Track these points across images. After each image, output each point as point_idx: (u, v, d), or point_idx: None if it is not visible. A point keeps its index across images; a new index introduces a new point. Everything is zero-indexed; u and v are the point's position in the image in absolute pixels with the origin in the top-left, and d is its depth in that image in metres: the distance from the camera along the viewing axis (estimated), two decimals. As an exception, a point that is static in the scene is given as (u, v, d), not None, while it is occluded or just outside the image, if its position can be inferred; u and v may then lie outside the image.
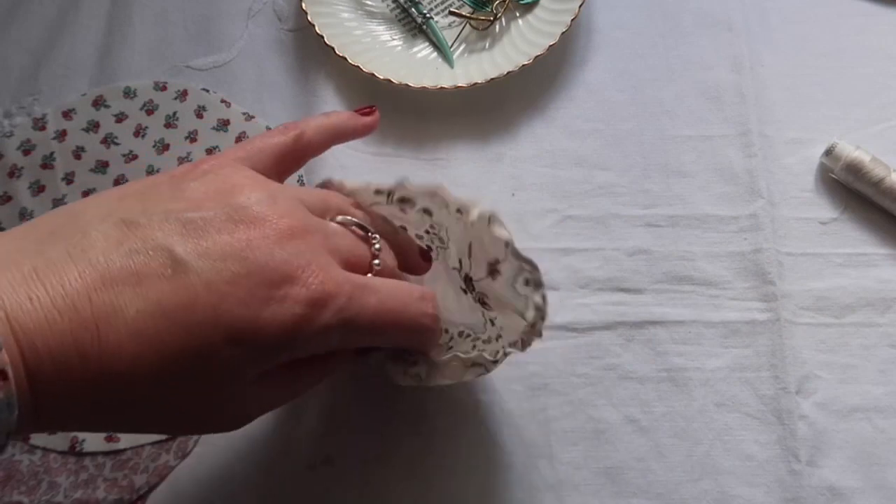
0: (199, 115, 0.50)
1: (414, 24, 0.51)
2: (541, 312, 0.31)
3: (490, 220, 0.32)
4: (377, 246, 0.32)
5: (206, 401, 0.27)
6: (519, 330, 0.32)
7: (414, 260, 0.36)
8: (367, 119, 0.38)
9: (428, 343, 0.33)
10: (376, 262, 0.31)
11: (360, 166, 0.47)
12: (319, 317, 0.27)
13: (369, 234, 0.32)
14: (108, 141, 0.50)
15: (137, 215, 0.26)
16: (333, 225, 0.31)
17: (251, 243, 0.26)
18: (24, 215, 0.48)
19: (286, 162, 0.33)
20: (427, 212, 0.33)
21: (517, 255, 0.31)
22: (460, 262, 0.34)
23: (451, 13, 0.50)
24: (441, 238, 0.35)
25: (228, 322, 0.25)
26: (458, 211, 0.32)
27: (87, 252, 0.25)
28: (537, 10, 0.50)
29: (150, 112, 0.50)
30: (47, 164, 0.49)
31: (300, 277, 0.27)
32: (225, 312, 0.25)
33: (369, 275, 0.31)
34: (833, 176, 0.46)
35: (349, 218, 0.32)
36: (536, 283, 0.31)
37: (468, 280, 0.34)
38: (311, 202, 0.31)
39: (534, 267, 0.31)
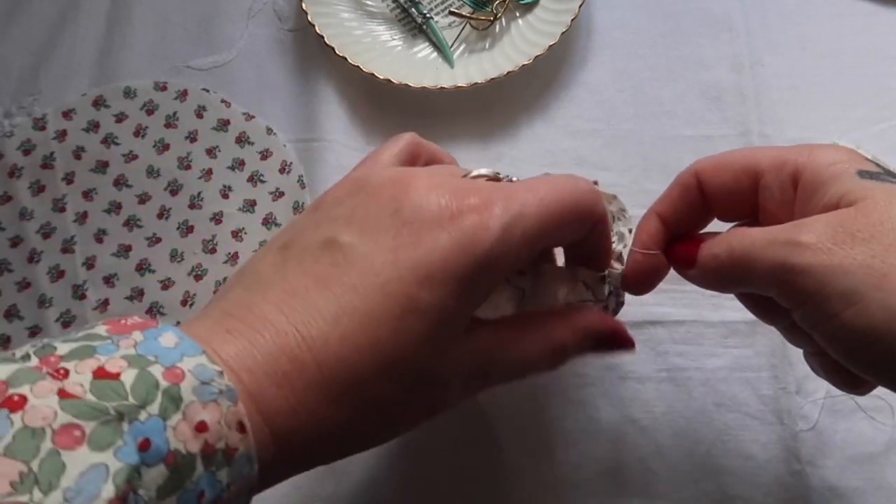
0: (199, 115, 0.50)
1: (414, 24, 0.51)
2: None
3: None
4: (513, 178, 0.31)
5: (433, 361, 0.26)
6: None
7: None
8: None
9: (599, 224, 0.31)
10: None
11: (360, 166, 0.47)
12: (492, 218, 0.26)
13: (505, 177, 0.31)
14: (108, 141, 0.50)
15: (292, 235, 0.28)
16: (467, 179, 0.30)
17: (396, 197, 0.26)
18: (24, 215, 0.48)
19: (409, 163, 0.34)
20: None
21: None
22: None
23: (451, 13, 0.50)
24: None
25: (410, 267, 0.25)
26: None
27: (261, 281, 0.26)
28: (537, 10, 0.50)
29: (150, 112, 0.50)
30: (47, 164, 0.49)
31: (454, 201, 0.26)
32: (403, 262, 0.25)
33: None
34: (833, 176, 0.46)
35: (481, 170, 0.31)
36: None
37: None
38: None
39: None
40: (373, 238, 0.26)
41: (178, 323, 0.25)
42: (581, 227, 0.30)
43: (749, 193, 0.31)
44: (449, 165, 0.31)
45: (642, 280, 0.34)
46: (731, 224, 0.34)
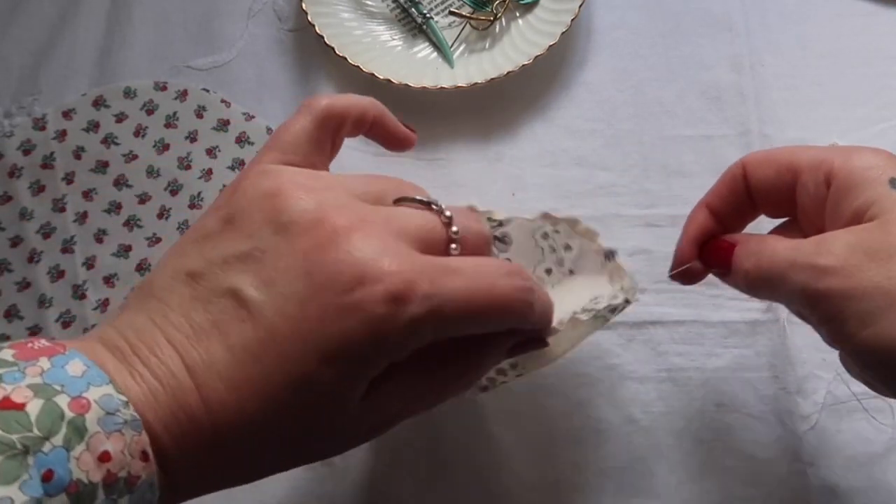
0: (199, 115, 0.50)
1: (414, 24, 0.51)
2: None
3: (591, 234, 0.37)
4: (454, 228, 0.28)
5: (323, 428, 0.26)
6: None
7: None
8: (406, 134, 0.34)
9: (528, 322, 0.29)
10: (454, 230, 0.28)
11: (360, 166, 0.47)
12: (405, 310, 0.24)
13: (435, 206, 0.28)
14: (108, 141, 0.50)
15: (200, 266, 0.26)
16: (394, 208, 0.28)
17: (309, 256, 0.25)
18: (24, 215, 0.48)
19: (323, 143, 0.30)
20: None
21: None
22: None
23: (451, 13, 0.50)
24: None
25: (314, 343, 0.24)
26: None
27: (167, 315, 0.25)
28: (537, 10, 0.50)
29: (150, 112, 0.50)
30: (47, 164, 0.49)
31: (372, 274, 0.24)
32: (307, 336, 0.24)
33: (451, 254, 0.28)
34: (833, 176, 0.46)
35: (410, 196, 0.29)
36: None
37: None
38: (363, 189, 0.28)
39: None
40: (278, 301, 0.25)
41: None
42: (503, 325, 0.28)
43: (790, 190, 0.32)
44: (377, 208, 0.27)
45: (686, 282, 0.35)
46: (778, 221, 0.35)
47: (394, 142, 0.34)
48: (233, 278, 0.25)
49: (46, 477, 0.21)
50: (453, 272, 0.26)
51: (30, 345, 0.23)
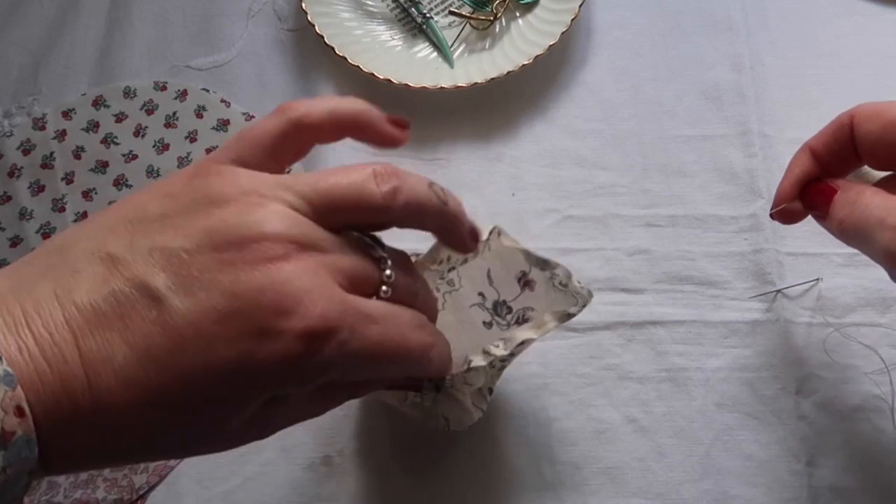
0: (199, 115, 0.50)
1: (414, 24, 0.51)
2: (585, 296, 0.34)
3: (498, 233, 0.34)
4: (387, 271, 0.28)
5: (210, 432, 0.26)
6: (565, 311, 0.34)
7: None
8: (396, 132, 0.32)
9: (426, 371, 0.30)
10: (384, 288, 0.28)
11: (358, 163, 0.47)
12: (319, 352, 0.25)
13: (380, 252, 0.29)
14: (108, 141, 0.50)
15: (124, 250, 0.25)
16: (339, 239, 0.27)
17: (239, 276, 0.24)
18: (24, 215, 0.48)
19: (285, 150, 0.30)
20: (443, 260, 0.34)
21: (537, 261, 0.34)
22: (482, 294, 0.34)
23: (451, 13, 0.50)
24: (452, 281, 0.35)
25: (220, 365, 0.24)
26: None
27: (73, 293, 0.24)
28: (537, 10, 0.50)
29: (150, 112, 0.50)
30: (47, 163, 0.49)
31: (296, 308, 0.24)
32: (215, 356, 0.24)
33: (375, 297, 0.28)
34: (833, 176, 0.46)
35: (364, 238, 0.29)
36: (568, 275, 0.34)
37: (501, 305, 0.34)
38: (318, 202, 0.27)
39: (553, 263, 0.34)
40: (194, 313, 0.24)
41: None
42: (402, 372, 0.30)
43: (894, 147, 0.33)
44: (318, 240, 0.27)
45: (786, 221, 0.37)
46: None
47: (382, 143, 0.33)
48: (153, 275, 0.24)
49: None
50: (372, 321, 0.26)
51: None
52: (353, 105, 0.31)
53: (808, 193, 0.36)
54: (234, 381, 0.24)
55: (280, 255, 0.25)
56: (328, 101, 0.31)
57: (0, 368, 0.22)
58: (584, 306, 0.34)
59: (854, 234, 0.32)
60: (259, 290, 0.24)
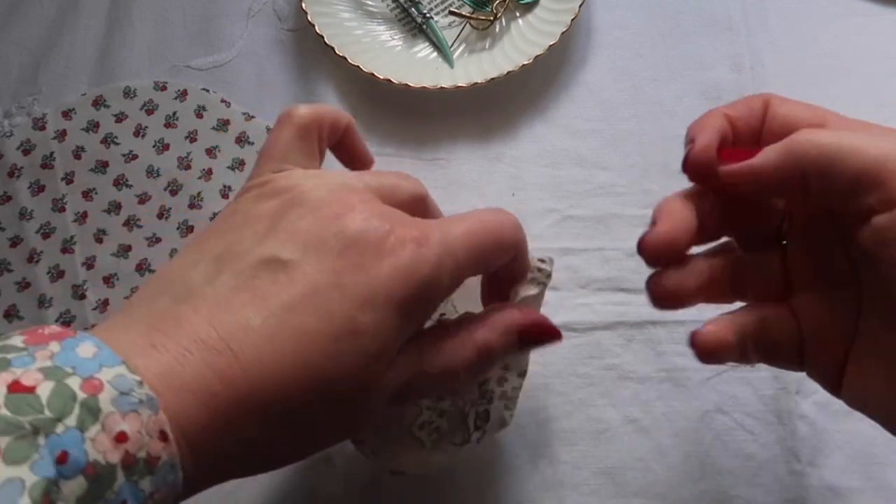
0: (199, 115, 0.50)
1: (414, 24, 0.51)
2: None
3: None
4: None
5: (365, 384, 0.26)
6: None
7: None
8: (371, 157, 0.37)
9: (521, 256, 0.32)
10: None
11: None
12: (428, 254, 0.26)
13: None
14: (108, 141, 0.50)
15: (228, 246, 0.26)
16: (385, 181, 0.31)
17: (340, 218, 0.26)
18: (24, 215, 0.48)
19: (309, 148, 0.32)
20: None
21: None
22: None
23: (451, 13, 0.50)
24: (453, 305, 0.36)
25: (354, 291, 0.25)
26: None
27: (192, 290, 0.25)
28: (537, 10, 0.50)
29: (150, 112, 0.50)
30: (47, 163, 0.49)
31: (397, 227, 0.27)
32: (348, 284, 0.25)
33: None
34: (833, 176, 0.46)
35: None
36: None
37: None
38: (374, 183, 0.30)
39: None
40: (316, 256, 0.26)
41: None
42: (504, 256, 0.31)
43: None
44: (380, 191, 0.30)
45: (699, 181, 0.31)
46: None
47: (356, 159, 0.36)
48: (266, 247, 0.26)
49: (61, 459, 0.20)
50: (453, 222, 0.29)
51: (40, 330, 0.23)
52: (341, 111, 0.34)
53: (726, 154, 0.30)
54: (374, 304, 0.25)
55: (358, 202, 0.27)
56: (319, 105, 0.33)
57: (143, 393, 0.22)
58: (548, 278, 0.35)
59: (801, 165, 0.27)
60: (359, 224, 0.26)
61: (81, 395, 0.21)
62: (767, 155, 0.28)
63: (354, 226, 0.26)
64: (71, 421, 0.21)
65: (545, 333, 0.32)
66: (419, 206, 0.31)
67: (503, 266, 0.31)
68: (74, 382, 0.21)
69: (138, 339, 0.24)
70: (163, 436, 0.22)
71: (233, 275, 0.25)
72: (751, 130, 0.31)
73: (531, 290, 0.34)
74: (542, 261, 0.34)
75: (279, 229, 0.26)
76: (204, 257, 0.26)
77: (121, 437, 0.21)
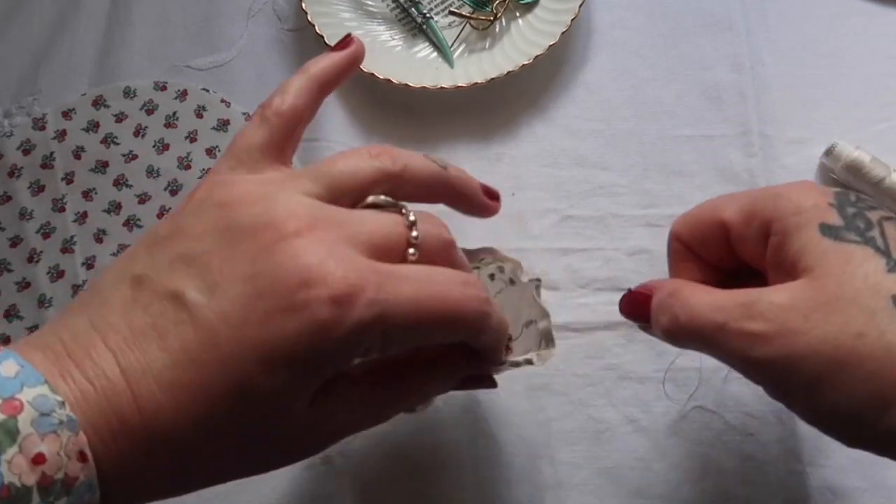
0: (199, 115, 0.50)
1: (414, 24, 0.51)
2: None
3: (536, 288, 0.35)
4: (414, 233, 0.27)
5: (266, 438, 0.25)
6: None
7: (478, 200, 0.33)
8: (347, 51, 0.33)
9: (483, 335, 0.28)
10: (413, 235, 0.27)
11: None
12: (349, 314, 0.24)
13: (402, 210, 0.28)
14: (108, 141, 0.50)
15: (147, 269, 0.26)
16: (354, 211, 0.28)
17: (256, 260, 0.24)
18: (24, 215, 0.48)
19: (279, 144, 0.30)
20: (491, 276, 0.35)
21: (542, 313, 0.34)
22: None
23: (451, 13, 0.50)
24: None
25: (255, 347, 0.24)
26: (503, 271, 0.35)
27: (108, 317, 0.25)
28: (537, 10, 0.50)
29: (150, 112, 0.50)
30: (47, 163, 0.49)
31: (317, 277, 0.24)
32: (248, 339, 0.24)
33: (408, 259, 0.27)
34: (833, 176, 0.46)
35: (381, 198, 0.28)
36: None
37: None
38: (327, 185, 0.27)
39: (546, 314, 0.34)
40: (220, 304, 0.24)
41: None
42: (456, 337, 0.28)
43: (728, 245, 0.31)
44: (333, 215, 0.26)
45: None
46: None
47: (350, 70, 0.34)
48: (176, 281, 0.25)
49: None
50: (402, 279, 0.25)
51: None
52: (311, 70, 0.32)
53: (625, 303, 0.33)
54: (274, 365, 0.24)
55: (293, 233, 0.25)
56: (293, 82, 0.31)
57: (63, 414, 0.22)
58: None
59: (688, 341, 0.29)
60: (277, 267, 0.24)
61: (0, 417, 0.21)
62: (658, 332, 0.30)
63: (270, 272, 0.24)
64: None
65: (485, 384, 0.33)
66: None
67: (468, 340, 0.29)
68: None
69: (50, 366, 0.24)
70: (82, 457, 0.22)
71: (144, 307, 0.25)
72: (701, 266, 0.33)
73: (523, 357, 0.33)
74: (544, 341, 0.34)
75: (194, 261, 0.25)
76: (126, 275, 0.26)
77: (38, 459, 0.21)
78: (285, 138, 0.30)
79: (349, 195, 0.28)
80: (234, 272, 0.24)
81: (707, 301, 0.28)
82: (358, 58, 0.34)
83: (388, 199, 0.28)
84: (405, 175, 0.29)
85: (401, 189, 0.29)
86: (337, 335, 0.24)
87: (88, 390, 0.23)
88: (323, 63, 0.32)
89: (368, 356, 0.26)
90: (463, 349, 0.30)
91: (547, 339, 0.34)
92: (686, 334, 0.28)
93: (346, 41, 0.33)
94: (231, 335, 0.24)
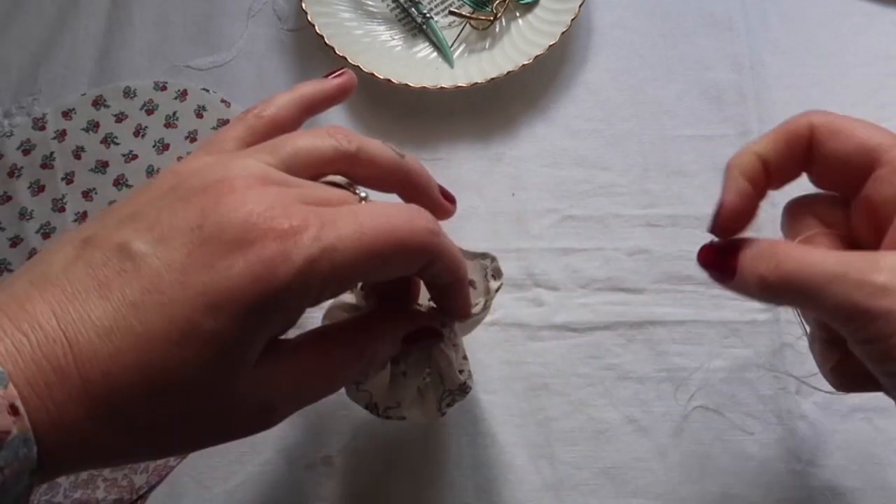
0: (199, 115, 0.50)
1: (414, 24, 0.51)
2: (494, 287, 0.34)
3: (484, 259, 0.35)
4: (363, 195, 0.28)
5: (212, 393, 0.24)
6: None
7: (435, 200, 0.32)
8: (338, 80, 0.33)
9: (437, 262, 0.28)
10: (363, 196, 0.28)
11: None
12: (295, 252, 0.23)
13: (356, 191, 0.28)
14: (108, 141, 0.50)
15: (94, 230, 0.25)
16: (310, 182, 0.28)
17: (205, 210, 0.24)
18: (24, 215, 0.48)
19: (254, 142, 0.30)
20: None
21: (475, 255, 0.35)
22: None
23: (451, 13, 0.50)
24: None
25: (199, 290, 0.23)
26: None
27: (48, 276, 0.24)
28: (537, 10, 0.50)
29: (150, 112, 0.50)
30: (47, 163, 0.49)
31: (263, 221, 0.24)
32: (192, 284, 0.23)
33: None
34: (833, 176, 0.46)
35: (338, 178, 0.28)
36: (496, 273, 0.35)
37: None
38: (285, 157, 0.27)
39: (492, 257, 0.35)
40: (166, 252, 0.24)
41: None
42: (407, 265, 0.27)
43: (859, 174, 0.29)
44: (287, 179, 0.27)
45: (725, 236, 0.31)
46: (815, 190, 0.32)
47: (338, 99, 0.34)
48: (123, 234, 0.24)
49: None
50: (347, 214, 0.25)
51: None
52: (301, 89, 0.32)
53: (706, 252, 0.31)
54: (218, 307, 0.23)
55: (243, 186, 0.25)
56: (283, 95, 0.31)
57: None
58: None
59: (789, 291, 0.27)
60: (224, 215, 0.24)
61: None
62: (747, 281, 0.28)
63: (215, 219, 0.24)
64: None
65: (428, 336, 0.31)
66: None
67: (423, 272, 0.28)
68: None
69: None
70: (13, 410, 0.21)
71: (86, 262, 0.24)
72: (788, 169, 0.31)
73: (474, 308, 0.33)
74: (494, 275, 0.34)
75: (142, 216, 0.25)
76: (76, 238, 0.25)
77: None
78: (261, 139, 0.30)
79: (305, 172, 0.28)
80: (180, 224, 0.24)
81: (821, 253, 0.27)
82: (347, 89, 0.34)
83: (344, 178, 0.29)
84: (360, 156, 0.29)
85: (356, 170, 0.29)
86: (284, 274, 0.23)
87: (22, 342, 0.22)
88: (312, 86, 0.32)
89: (320, 303, 0.26)
90: (398, 308, 0.31)
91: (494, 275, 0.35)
92: (793, 283, 0.27)
93: (340, 72, 0.34)
94: (175, 279, 0.23)
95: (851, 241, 0.30)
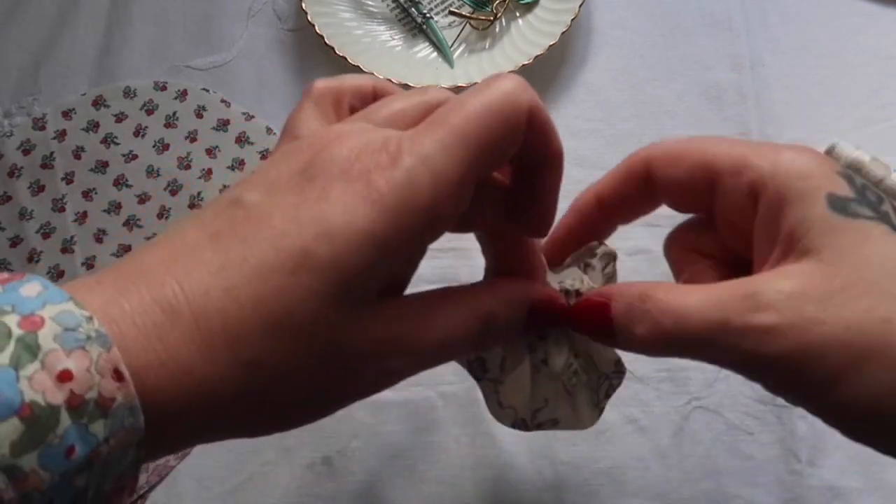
0: (199, 115, 0.50)
1: (414, 24, 0.51)
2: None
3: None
4: None
5: (328, 335, 0.23)
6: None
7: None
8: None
9: (546, 125, 0.26)
10: None
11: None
12: (396, 168, 0.23)
13: None
14: (108, 141, 0.50)
15: (207, 205, 0.25)
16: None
17: (311, 157, 0.24)
18: (24, 215, 0.48)
19: (326, 116, 0.29)
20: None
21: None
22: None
23: (451, 13, 0.50)
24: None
25: (311, 219, 0.22)
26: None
27: (157, 241, 0.24)
28: (537, 10, 0.50)
29: (150, 112, 0.50)
30: (47, 163, 0.49)
31: (367, 154, 0.23)
32: (304, 214, 0.22)
33: None
34: (833, 176, 0.46)
35: None
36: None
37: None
38: (384, 124, 0.26)
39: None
40: (278, 195, 0.23)
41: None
42: (510, 143, 0.25)
43: (705, 193, 0.28)
44: (374, 129, 0.26)
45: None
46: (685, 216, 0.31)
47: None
48: (235, 191, 0.24)
49: None
50: (438, 123, 0.24)
51: None
52: (369, 76, 0.31)
53: (578, 313, 0.29)
54: (333, 235, 0.22)
55: (347, 132, 0.24)
56: (345, 75, 0.30)
57: (91, 329, 0.20)
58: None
59: (673, 349, 0.25)
60: (329, 153, 0.23)
61: (18, 332, 0.20)
62: (629, 342, 0.26)
63: (321, 160, 0.23)
64: (3, 359, 0.19)
65: (558, 310, 0.28)
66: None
67: (524, 153, 0.26)
68: (12, 320, 0.20)
69: (87, 278, 0.22)
70: (117, 375, 0.20)
71: (196, 218, 0.24)
72: (633, 204, 0.32)
73: (592, 281, 0.30)
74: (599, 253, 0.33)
75: (256, 173, 0.25)
76: (193, 214, 0.25)
77: (64, 376, 0.20)
78: (327, 107, 0.29)
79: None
80: (289, 172, 0.24)
81: (695, 299, 0.24)
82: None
83: None
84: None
85: None
86: (391, 191, 0.22)
87: (127, 287, 0.22)
88: (383, 86, 0.31)
89: (437, 230, 0.24)
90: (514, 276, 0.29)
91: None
92: (675, 341, 0.25)
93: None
94: (286, 214, 0.23)
95: (734, 261, 0.29)
